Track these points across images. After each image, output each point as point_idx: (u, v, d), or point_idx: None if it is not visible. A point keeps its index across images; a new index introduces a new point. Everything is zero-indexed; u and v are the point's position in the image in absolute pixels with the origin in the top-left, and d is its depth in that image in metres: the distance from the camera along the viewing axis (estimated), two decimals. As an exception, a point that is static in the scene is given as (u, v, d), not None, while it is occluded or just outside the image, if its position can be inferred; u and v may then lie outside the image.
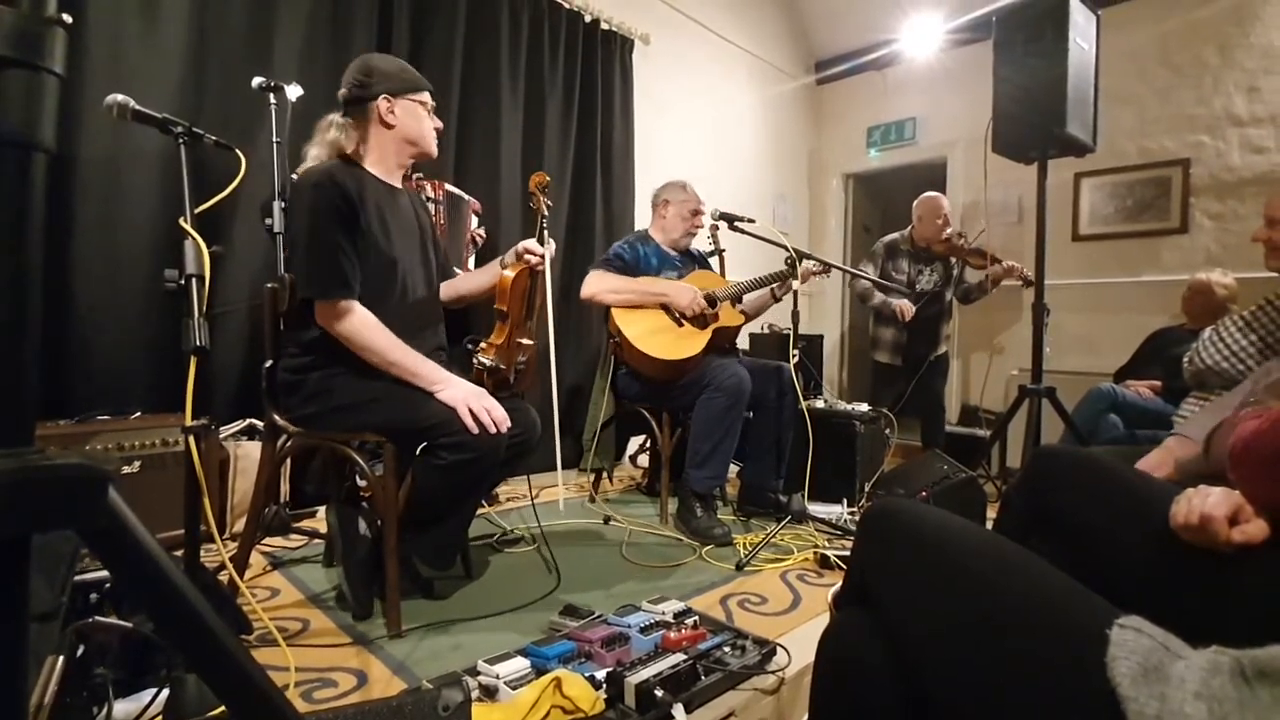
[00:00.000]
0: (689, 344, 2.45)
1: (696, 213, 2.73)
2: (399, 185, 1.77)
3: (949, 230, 3.44)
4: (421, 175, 2.53)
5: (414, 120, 1.70)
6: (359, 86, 1.66)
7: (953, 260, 3.49)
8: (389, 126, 1.68)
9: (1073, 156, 2.69)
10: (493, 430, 1.54)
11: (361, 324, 1.54)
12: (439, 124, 1.78)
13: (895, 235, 3.62)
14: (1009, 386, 4.10)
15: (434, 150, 1.77)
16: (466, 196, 2.74)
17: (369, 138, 1.69)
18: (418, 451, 1.57)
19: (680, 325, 2.51)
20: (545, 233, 1.95)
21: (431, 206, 2.49)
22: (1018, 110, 2.55)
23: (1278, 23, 3.45)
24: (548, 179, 2.04)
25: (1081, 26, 2.47)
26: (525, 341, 1.98)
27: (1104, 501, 0.94)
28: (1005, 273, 3.35)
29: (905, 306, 3.35)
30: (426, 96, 1.74)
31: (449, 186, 2.62)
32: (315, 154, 1.67)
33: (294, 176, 2.00)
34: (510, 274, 1.87)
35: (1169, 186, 3.77)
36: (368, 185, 1.64)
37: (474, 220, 2.81)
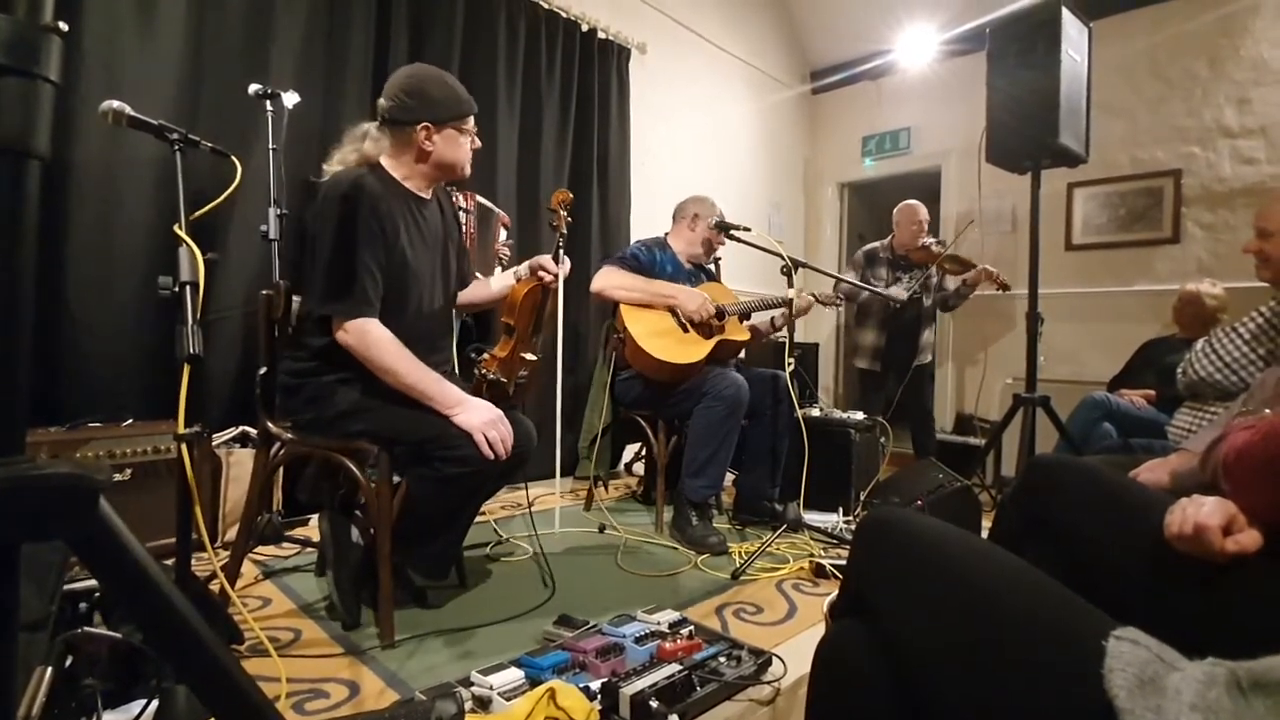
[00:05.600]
0: (691, 350, 2.46)
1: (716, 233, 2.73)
2: (427, 196, 1.75)
3: (926, 238, 3.47)
4: (453, 185, 2.54)
5: (452, 149, 1.68)
6: (401, 108, 1.62)
7: (931, 267, 3.51)
8: (424, 156, 1.66)
9: (1065, 167, 2.71)
10: (504, 456, 1.53)
11: (380, 345, 1.52)
12: (478, 144, 1.76)
13: (875, 244, 3.68)
14: (1003, 395, 4.11)
15: (467, 174, 1.77)
16: (496, 209, 2.75)
17: (401, 156, 1.67)
18: (414, 462, 1.56)
19: (686, 331, 2.52)
20: (561, 251, 1.93)
21: (462, 216, 2.51)
22: (1011, 121, 2.57)
23: (1267, 35, 3.49)
24: (570, 196, 2.01)
25: (1074, 39, 2.50)
26: (529, 357, 1.96)
27: (1099, 511, 0.94)
28: (981, 277, 3.37)
29: (897, 291, 3.37)
30: (470, 122, 1.70)
31: (479, 198, 2.63)
32: (342, 158, 1.65)
33: (317, 179, 1.87)
34: (522, 288, 1.87)
35: (1161, 197, 3.80)
36: (395, 196, 1.63)
37: (503, 234, 2.82)
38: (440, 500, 1.56)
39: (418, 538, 1.60)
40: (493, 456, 1.50)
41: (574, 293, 3.58)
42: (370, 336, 1.52)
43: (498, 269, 2.76)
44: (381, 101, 1.64)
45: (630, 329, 2.43)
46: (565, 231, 1.97)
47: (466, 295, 1.97)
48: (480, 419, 1.52)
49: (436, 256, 1.76)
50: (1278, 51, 3.47)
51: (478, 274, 2.10)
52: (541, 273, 1.88)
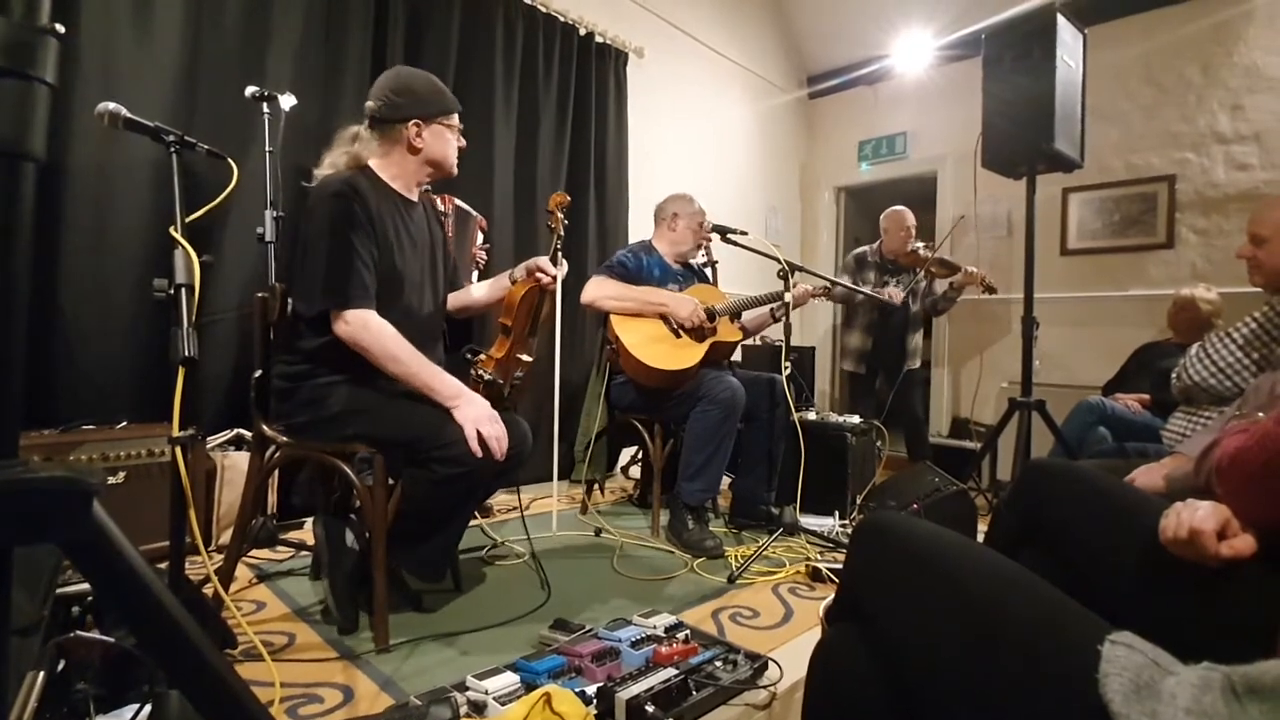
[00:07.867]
0: (685, 355, 2.45)
1: (704, 225, 2.73)
2: (415, 199, 1.78)
3: (914, 243, 3.49)
4: (429, 189, 2.53)
5: (441, 144, 1.71)
6: (390, 107, 1.65)
7: (919, 272, 3.53)
8: (415, 151, 1.69)
9: (1060, 172, 2.72)
10: (498, 456, 1.53)
11: (382, 333, 1.54)
12: (463, 143, 1.79)
13: (864, 248, 3.71)
14: (999, 399, 4.12)
15: (454, 170, 1.79)
16: (474, 213, 2.74)
17: (391, 154, 1.70)
18: (409, 463, 1.55)
19: (678, 336, 2.51)
20: (559, 253, 1.94)
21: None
22: (1006, 126, 2.58)
23: (1260, 42, 3.52)
24: (568, 199, 2.03)
25: (1069, 44, 2.51)
26: (524, 358, 1.96)
27: (1094, 515, 0.95)
28: (967, 279, 3.38)
29: (894, 291, 3.39)
30: (456, 119, 1.74)
31: (458, 201, 2.63)
32: (332, 161, 1.69)
33: (308, 184, 1.90)
34: (520, 289, 1.87)
35: (1155, 202, 3.82)
36: (385, 198, 1.65)
37: (479, 237, 2.82)
38: (436, 501, 1.56)
39: (413, 538, 1.60)
40: (481, 454, 1.50)
41: (571, 296, 3.58)
42: (372, 325, 1.53)
43: (474, 273, 2.76)
44: (369, 103, 1.68)
45: (623, 339, 2.42)
46: (563, 233, 1.98)
47: (461, 299, 1.97)
48: (476, 413, 1.53)
49: (425, 260, 1.77)
50: (1271, 58, 3.49)
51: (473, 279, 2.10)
52: (539, 274, 1.88)
